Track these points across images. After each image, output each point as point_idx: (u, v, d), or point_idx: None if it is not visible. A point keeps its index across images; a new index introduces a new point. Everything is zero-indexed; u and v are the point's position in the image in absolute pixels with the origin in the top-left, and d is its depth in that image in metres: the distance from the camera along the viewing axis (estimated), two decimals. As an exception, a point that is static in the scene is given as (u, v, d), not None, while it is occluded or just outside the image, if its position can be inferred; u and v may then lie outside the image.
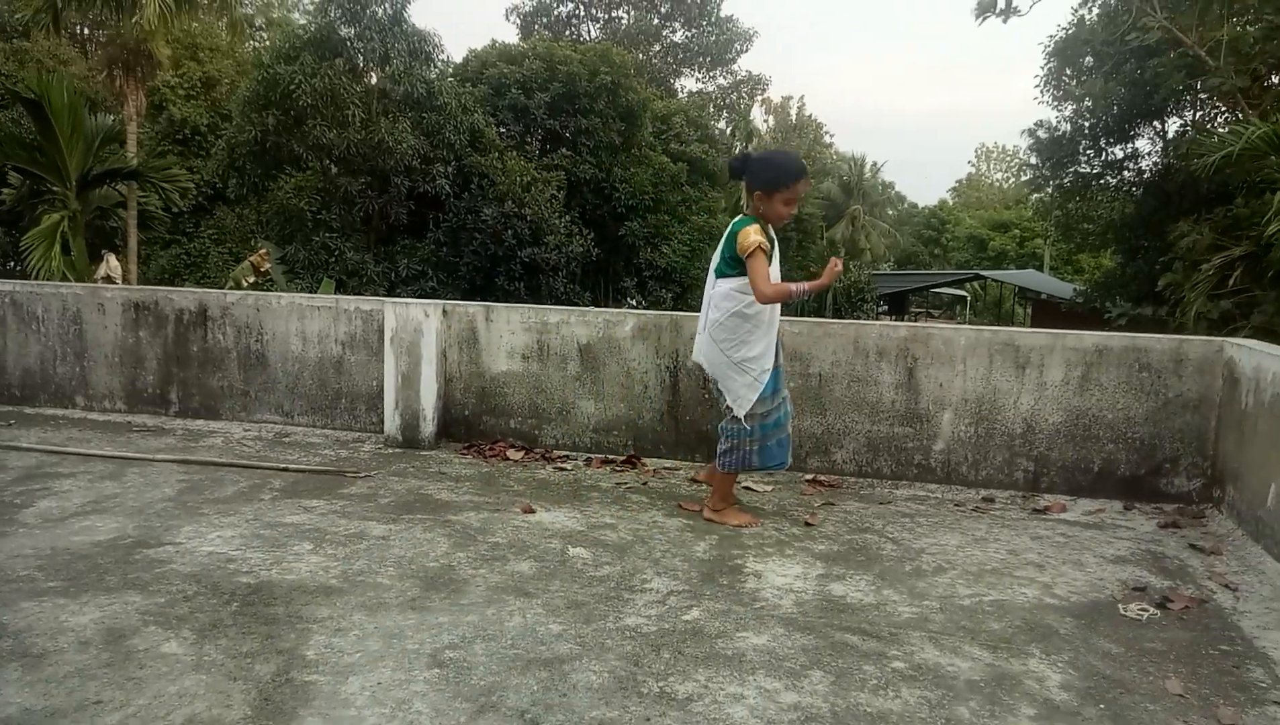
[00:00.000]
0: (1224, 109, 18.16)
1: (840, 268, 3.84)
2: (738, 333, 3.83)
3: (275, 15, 31.18)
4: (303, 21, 20.97)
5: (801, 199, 3.75)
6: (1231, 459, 4.16)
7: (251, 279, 12.94)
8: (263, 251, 14.51)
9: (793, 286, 3.80)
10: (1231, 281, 11.41)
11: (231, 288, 11.59)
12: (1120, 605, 3.16)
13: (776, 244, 3.86)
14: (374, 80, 19.65)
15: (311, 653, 2.57)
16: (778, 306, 3.86)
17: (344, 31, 18.80)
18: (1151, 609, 3.13)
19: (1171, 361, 4.38)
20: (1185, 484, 4.41)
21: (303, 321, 5.48)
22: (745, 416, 3.86)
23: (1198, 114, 19.26)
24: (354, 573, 3.19)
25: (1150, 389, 4.41)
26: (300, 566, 3.23)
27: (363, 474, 4.55)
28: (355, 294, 17.51)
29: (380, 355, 5.24)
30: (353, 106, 18.24)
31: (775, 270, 3.81)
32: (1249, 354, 4.06)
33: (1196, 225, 14.18)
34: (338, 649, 2.60)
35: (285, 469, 4.58)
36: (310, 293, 14.79)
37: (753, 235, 3.68)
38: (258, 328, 5.55)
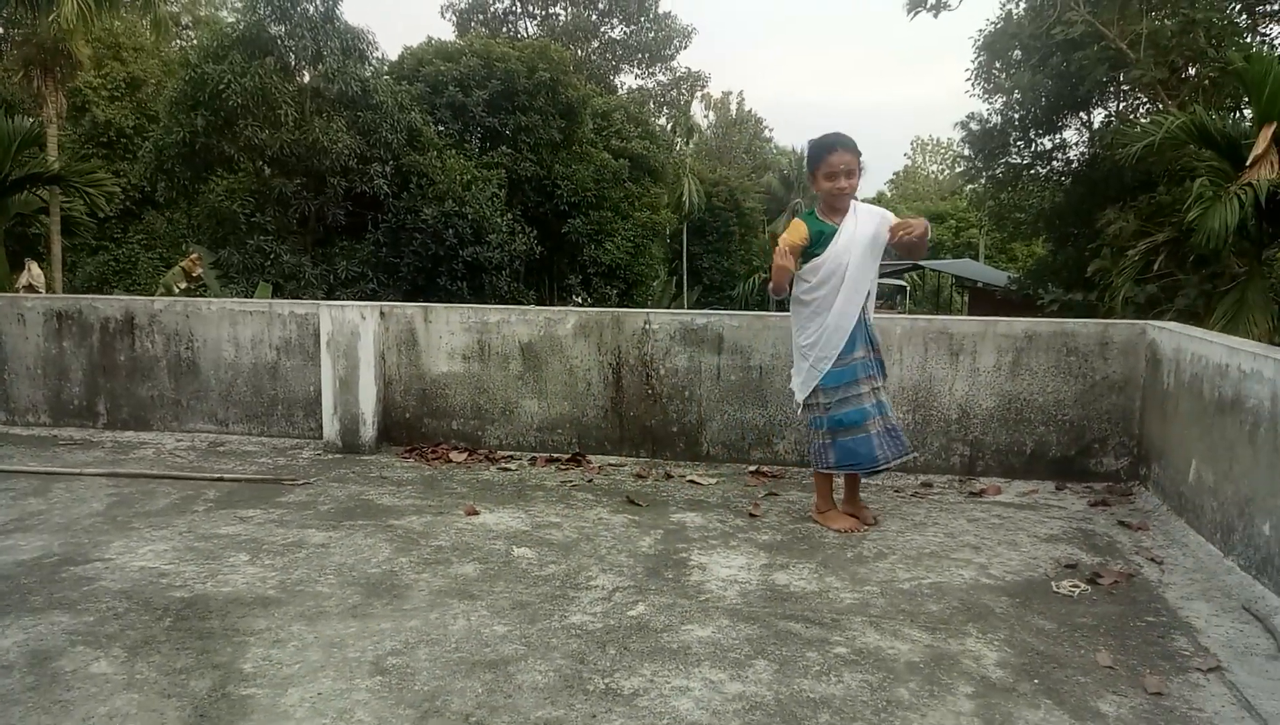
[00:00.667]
0: (1145, 100, 18.81)
1: (796, 243, 3.73)
2: (797, 319, 3.88)
3: (202, 13, 30.32)
4: (231, 19, 20.43)
5: (841, 170, 3.66)
6: (1156, 438, 4.31)
7: (183, 285, 12.58)
8: (194, 256, 14.11)
9: (775, 266, 3.72)
10: (1156, 266, 11.81)
11: (163, 294, 11.26)
12: (1053, 583, 3.26)
13: (835, 231, 3.74)
14: (307, 79, 19.24)
15: (249, 666, 2.52)
16: (844, 295, 3.70)
17: (274, 29, 18.36)
18: (1083, 585, 3.23)
19: (1097, 345, 4.52)
20: (1113, 463, 4.55)
21: (235, 327, 5.35)
22: (805, 406, 3.86)
23: (1121, 105, 19.91)
24: (293, 582, 3.13)
25: (1078, 372, 4.54)
26: (236, 578, 3.16)
27: (301, 481, 4.46)
28: (293, 298, 17.15)
29: (317, 359, 5.14)
30: (285, 106, 17.85)
31: (831, 257, 3.70)
32: (1170, 336, 4.21)
33: (1122, 213, 14.66)
34: (276, 661, 2.55)
35: (220, 479, 4.47)
36: (246, 297, 14.44)
37: (782, 230, 3.83)
38: (188, 335, 5.40)
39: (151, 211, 22.88)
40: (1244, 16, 18.87)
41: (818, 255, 3.75)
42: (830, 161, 3.69)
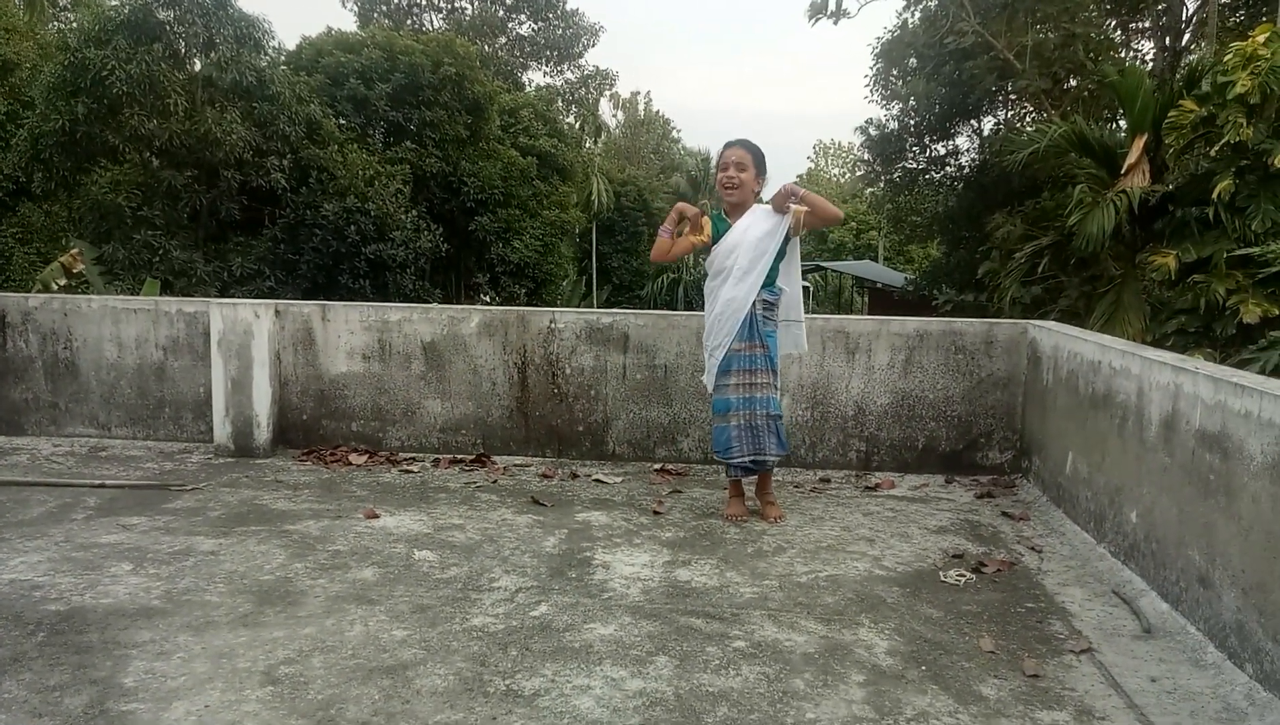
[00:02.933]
0: (1031, 109, 19.75)
1: (698, 214, 3.99)
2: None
3: (82, -6, 28.70)
4: (115, 2, 19.35)
5: (731, 161, 3.93)
6: (1036, 432, 4.54)
7: (63, 281, 11.84)
8: (75, 251, 13.31)
9: (668, 233, 4.00)
10: (1041, 268, 12.40)
11: (40, 291, 10.61)
12: (941, 573, 3.40)
13: (729, 223, 3.97)
14: (198, 67, 18.40)
15: (130, 680, 2.41)
16: (729, 286, 3.87)
17: (162, 15, 17.50)
18: (968, 574, 3.38)
19: (983, 343, 4.73)
20: (998, 457, 4.78)
21: (118, 326, 5.09)
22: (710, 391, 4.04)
23: (1009, 113, 20.86)
24: (179, 592, 3.01)
25: (965, 369, 4.75)
26: (118, 589, 3.01)
27: (190, 487, 4.28)
28: (185, 295, 16.41)
29: (207, 360, 4.94)
30: (175, 95, 17.03)
31: (722, 250, 3.92)
32: (1048, 334, 4.44)
33: (1010, 217, 15.35)
34: (160, 674, 2.45)
35: (101, 485, 4.25)
36: (132, 295, 13.74)
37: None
38: (66, 334, 5.12)
39: (27, 204, 21.53)
40: (1119, 33, 20.05)
41: (714, 248, 3.98)
42: (724, 155, 4.01)
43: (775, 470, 4.75)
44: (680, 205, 4.06)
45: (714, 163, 4.27)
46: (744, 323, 3.83)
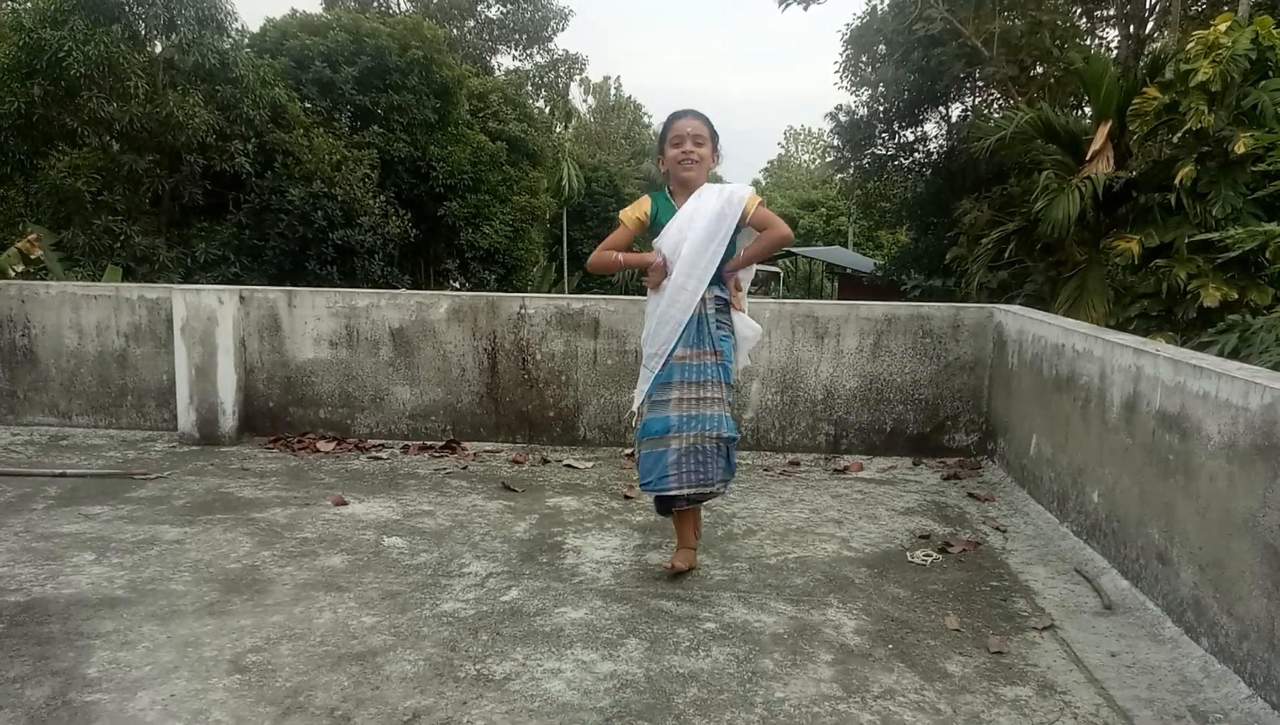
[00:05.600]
0: (998, 96, 19.91)
1: (660, 261, 3.17)
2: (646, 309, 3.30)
3: (37, -27, 27.94)
4: (71, -19, 18.85)
5: (687, 134, 3.15)
6: (1001, 414, 4.60)
7: (20, 268, 11.56)
8: (32, 237, 12.98)
9: (618, 256, 3.25)
10: (1007, 253, 12.52)
11: (-4, 278, 10.35)
12: (908, 553, 3.44)
13: (679, 210, 3.19)
14: (159, 49, 18.01)
15: (93, 670, 2.37)
16: (674, 284, 3.12)
17: (120, -6, 17.12)
18: (935, 554, 3.43)
19: (950, 327, 4.78)
20: (964, 439, 4.84)
21: (78, 312, 4.99)
22: (637, 410, 3.29)
23: (976, 100, 21.01)
24: (143, 581, 2.96)
25: (933, 353, 4.79)
26: (80, 579, 2.97)
27: (154, 475, 4.22)
28: (147, 281, 16.12)
29: (170, 347, 4.86)
30: (135, 77, 16.65)
31: (665, 241, 3.17)
32: (1014, 318, 4.49)
33: (977, 203, 15.48)
34: (124, 664, 2.42)
35: (62, 474, 4.18)
36: (93, 281, 13.47)
37: (623, 212, 3.30)
38: (24, 321, 5.01)
39: (-18, 188, 21.00)
40: (1084, 21, 20.25)
41: (656, 240, 3.23)
42: (676, 127, 3.20)
43: (742, 454, 4.69)
44: (628, 215, 3.27)
45: (660, 135, 3.35)
46: (690, 324, 3.10)
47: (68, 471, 4.22)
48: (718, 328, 3.16)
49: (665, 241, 3.17)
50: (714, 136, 3.23)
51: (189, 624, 2.66)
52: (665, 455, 3.03)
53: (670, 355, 3.10)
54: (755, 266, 3.38)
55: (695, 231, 3.11)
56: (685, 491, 3.04)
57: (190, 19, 17.42)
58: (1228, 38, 8.46)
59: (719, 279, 3.18)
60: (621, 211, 3.33)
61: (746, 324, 3.30)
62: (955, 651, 2.64)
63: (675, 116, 3.26)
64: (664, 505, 3.18)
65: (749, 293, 3.40)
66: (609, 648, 2.59)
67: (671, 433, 3.04)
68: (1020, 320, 4.38)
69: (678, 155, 3.17)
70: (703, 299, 3.12)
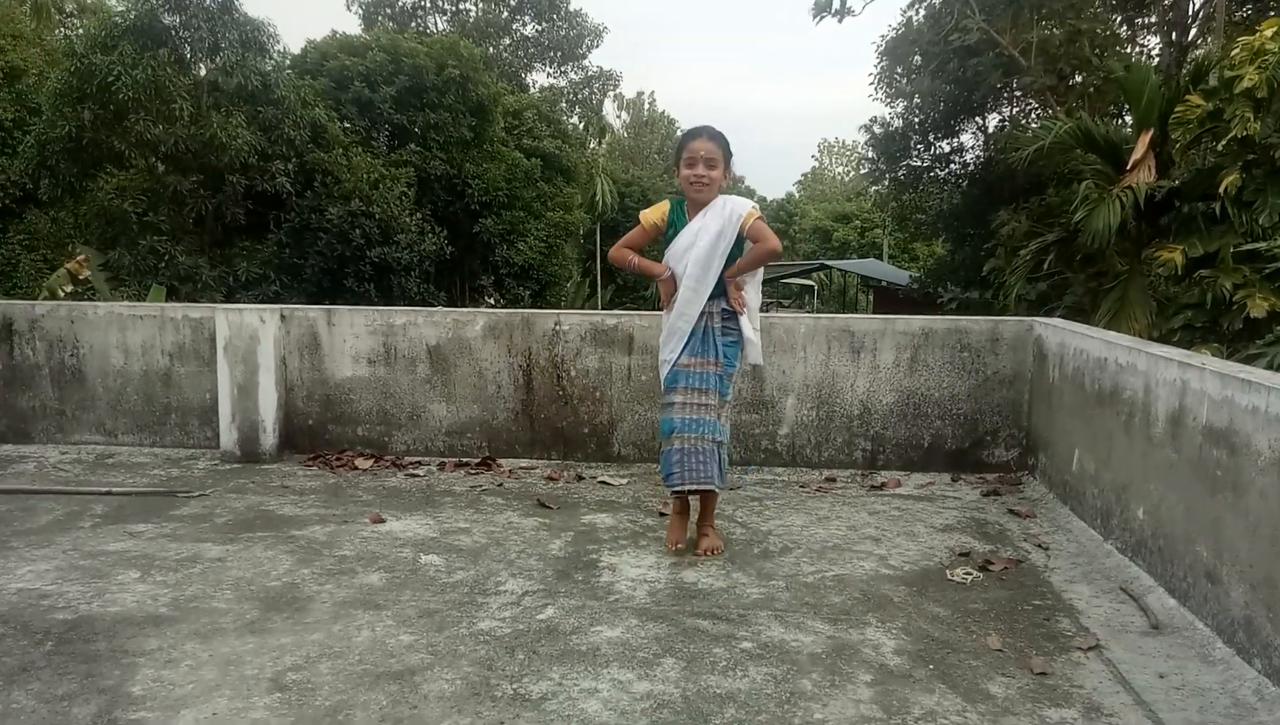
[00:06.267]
0: (1036, 105, 19.69)
1: (667, 274, 3.54)
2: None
3: (88, 0, 28.82)
4: (120, 8, 19.38)
5: (700, 156, 3.42)
6: (1042, 429, 4.53)
7: (69, 288, 11.92)
8: (81, 258, 13.38)
9: (634, 258, 3.62)
10: (1046, 265, 12.36)
11: (46, 298, 10.65)
12: (948, 571, 3.39)
13: (688, 225, 3.52)
14: (203, 72, 18.46)
15: (138, 689, 2.42)
16: (682, 296, 3.47)
17: (168, 19, 17.57)
18: (975, 572, 3.37)
19: (989, 341, 4.72)
20: (1004, 454, 4.76)
21: (124, 332, 5.11)
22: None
23: (1014, 110, 20.79)
24: (186, 599, 3.01)
25: (971, 367, 4.73)
26: (125, 597, 3.02)
27: (196, 493, 4.30)
28: (190, 301, 16.46)
29: (213, 365, 4.96)
30: (180, 100, 17.07)
31: (672, 256, 3.51)
32: (1054, 332, 4.42)
33: (1015, 214, 15.31)
34: (168, 682, 2.45)
35: (108, 493, 4.27)
36: (138, 301, 13.79)
37: (644, 211, 3.66)
38: (73, 341, 5.14)
39: (34, 210, 21.62)
40: (1125, 28, 19.97)
41: (669, 248, 3.56)
42: (691, 148, 3.47)
43: (777, 470, 4.76)
44: (646, 218, 3.63)
45: (676, 150, 3.63)
46: (695, 335, 3.45)
47: (113, 489, 4.31)
48: (724, 335, 3.52)
49: (673, 254, 3.52)
50: (727, 156, 3.50)
51: (230, 642, 2.70)
52: (670, 454, 3.47)
53: (676, 362, 3.48)
54: (761, 270, 3.66)
55: (698, 250, 3.44)
56: (687, 486, 3.47)
57: (234, 42, 17.85)
58: (1274, 43, 8.30)
59: (722, 291, 3.50)
60: (642, 212, 3.69)
61: (746, 325, 3.56)
62: (998, 672, 2.59)
63: (690, 136, 3.54)
64: (678, 494, 3.58)
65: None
66: (645, 667, 2.58)
67: (675, 433, 3.45)
68: (1061, 333, 4.31)
69: (690, 176, 3.46)
70: (709, 313, 3.48)
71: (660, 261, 3.61)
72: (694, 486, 3.47)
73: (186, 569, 3.28)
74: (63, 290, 11.56)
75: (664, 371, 3.56)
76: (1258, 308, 8.08)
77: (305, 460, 4.94)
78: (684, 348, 3.46)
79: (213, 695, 2.38)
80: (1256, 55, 8.37)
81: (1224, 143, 8.94)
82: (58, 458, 5.00)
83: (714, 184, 3.47)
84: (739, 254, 3.51)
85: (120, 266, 17.35)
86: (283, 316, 5.02)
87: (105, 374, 5.14)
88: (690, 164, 3.46)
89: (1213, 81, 9.45)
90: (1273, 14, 12.09)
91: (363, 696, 2.39)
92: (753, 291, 3.61)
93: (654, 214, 3.62)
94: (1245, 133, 8.52)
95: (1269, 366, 4.48)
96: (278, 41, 19.55)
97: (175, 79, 17.32)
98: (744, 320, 3.56)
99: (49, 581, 3.14)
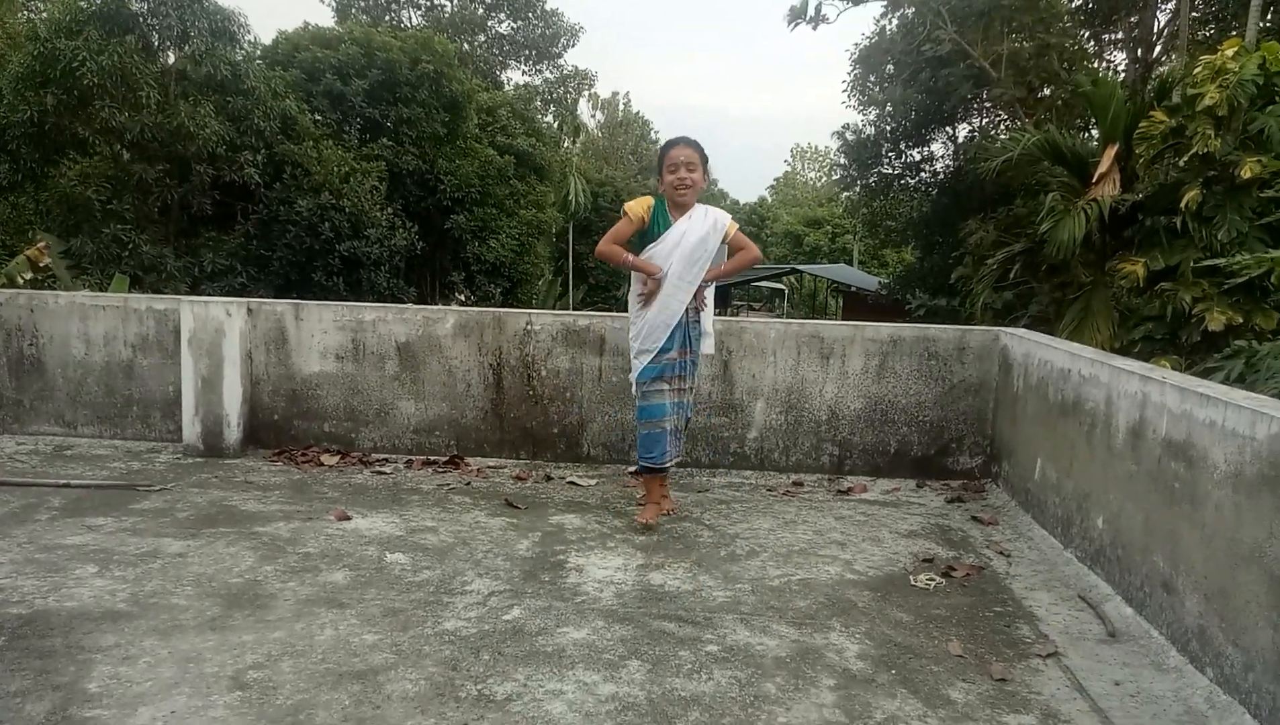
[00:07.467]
0: (1005, 117, 19.97)
1: (662, 274, 3.82)
2: (630, 311, 3.98)
3: (53, -17, 28.19)
4: (86, -8, 19.02)
5: (681, 162, 3.78)
6: (1006, 437, 4.59)
7: (29, 275, 11.62)
8: (41, 244, 13.05)
9: (628, 256, 3.86)
10: (1013, 274, 12.52)
11: (4, 285, 10.40)
12: (911, 576, 3.43)
13: (672, 224, 3.84)
14: (171, 60, 18.16)
15: (94, 685, 2.37)
16: (665, 292, 3.80)
17: (135, 6, 17.25)
18: (938, 578, 3.41)
19: (956, 350, 4.78)
20: (969, 461, 4.83)
21: (86, 322, 5.02)
22: (635, 392, 3.95)
23: (983, 121, 21.08)
24: (145, 594, 2.97)
25: (938, 375, 4.79)
26: (82, 592, 2.97)
27: (158, 487, 4.23)
28: (154, 291, 16.20)
29: (177, 358, 4.88)
30: (147, 87, 16.78)
31: (658, 255, 3.81)
32: (1020, 342, 4.49)
33: (983, 223, 15.49)
34: (125, 679, 2.41)
35: (66, 485, 4.18)
36: (101, 290, 13.53)
37: (629, 204, 3.89)
38: (31, 330, 5.03)
39: (-7, 195, 21.14)
40: (1092, 44, 20.32)
41: (650, 246, 3.84)
42: (672, 155, 3.82)
43: (745, 474, 4.86)
44: (631, 209, 3.88)
45: (658, 158, 3.99)
46: (678, 329, 3.83)
47: (72, 482, 4.23)
48: (694, 327, 3.92)
49: (659, 253, 3.81)
50: (704, 161, 3.87)
51: (190, 639, 2.66)
52: (663, 436, 3.86)
53: (663, 353, 3.82)
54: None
55: (684, 250, 3.79)
56: (676, 460, 3.98)
57: (204, 31, 17.58)
58: (1235, 63, 8.48)
59: (697, 290, 3.86)
60: (627, 204, 3.92)
61: (706, 320, 4.01)
62: (958, 678, 2.63)
63: (671, 145, 3.90)
64: (650, 472, 3.96)
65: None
66: (611, 669, 2.59)
67: (667, 416, 3.87)
68: (1026, 343, 4.38)
69: (674, 181, 3.81)
70: (688, 308, 3.84)
71: (636, 256, 3.88)
72: (678, 460, 4.01)
73: (146, 564, 3.23)
74: (22, 277, 11.28)
75: (644, 362, 3.84)
76: (1216, 322, 8.24)
77: (270, 455, 4.88)
78: (669, 340, 3.81)
79: (171, 693, 2.35)
80: (1218, 74, 8.55)
81: (1186, 159, 9.12)
82: (14, 448, 4.89)
83: (695, 187, 3.82)
84: (719, 260, 3.91)
85: (82, 255, 17.00)
86: (250, 310, 4.96)
87: (65, 364, 5.04)
88: (673, 169, 3.81)
89: (1176, 98, 9.64)
90: (1234, 34, 12.35)
91: (325, 696, 2.37)
92: (709, 290, 4.02)
93: (640, 206, 3.87)
94: (1206, 150, 8.69)
95: (1225, 379, 4.57)
96: (248, 31, 19.28)
97: (142, 66, 17.03)
98: (704, 315, 4.00)
99: (3, 575, 3.07)
